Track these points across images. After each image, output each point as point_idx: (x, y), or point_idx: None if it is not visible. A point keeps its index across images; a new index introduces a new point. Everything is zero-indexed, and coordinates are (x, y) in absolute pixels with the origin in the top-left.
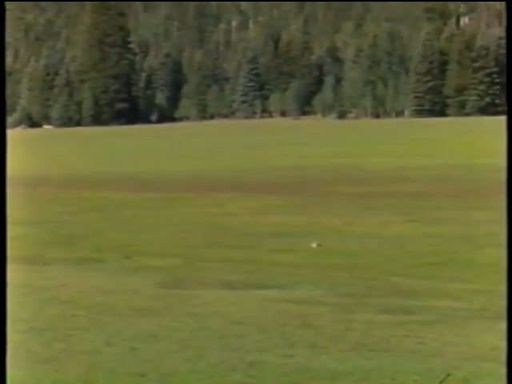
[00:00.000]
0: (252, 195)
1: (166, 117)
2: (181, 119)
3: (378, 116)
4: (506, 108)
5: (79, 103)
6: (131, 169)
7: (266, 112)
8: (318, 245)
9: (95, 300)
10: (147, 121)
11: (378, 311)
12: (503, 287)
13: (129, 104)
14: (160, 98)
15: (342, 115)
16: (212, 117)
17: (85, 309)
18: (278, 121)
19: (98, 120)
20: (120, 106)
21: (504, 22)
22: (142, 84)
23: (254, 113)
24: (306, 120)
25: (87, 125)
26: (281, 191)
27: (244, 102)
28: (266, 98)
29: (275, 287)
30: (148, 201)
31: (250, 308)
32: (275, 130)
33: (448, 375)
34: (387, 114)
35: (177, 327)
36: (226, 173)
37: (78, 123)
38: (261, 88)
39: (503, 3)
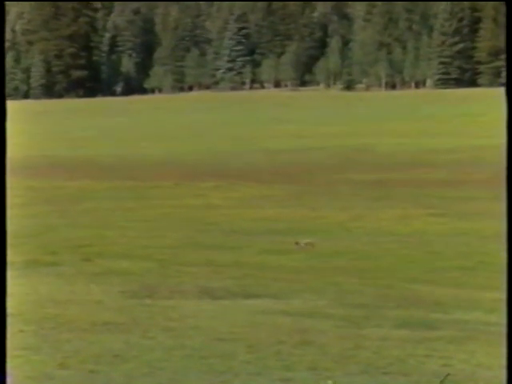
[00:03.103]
0: (240, 183)
1: (134, 88)
2: (152, 91)
3: (393, 87)
4: None
5: (27, 70)
6: (91, 151)
7: (256, 82)
8: (307, 244)
9: (47, 312)
10: (111, 92)
11: (394, 325)
12: None
13: (88, 72)
14: (127, 65)
15: (350, 86)
16: (191, 88)
17: (34, 323)
18: (271, 93)
19: (50, 91)
20: (77, 73)
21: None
22: (104, 47)
23: (243, 83)
24: (305, 92)
25: (37, 97)
26: (275, 179)
27: (230, 69)
28: (257, 64)
29: (268, 296)
30: (112, 190)
31: (238, 321)
32: (268, 103)
33: (448, 375)
34: (405, 85)
35: (148, 345)
36: (209, 156)
37: (26, 95)
38: (251, 52)
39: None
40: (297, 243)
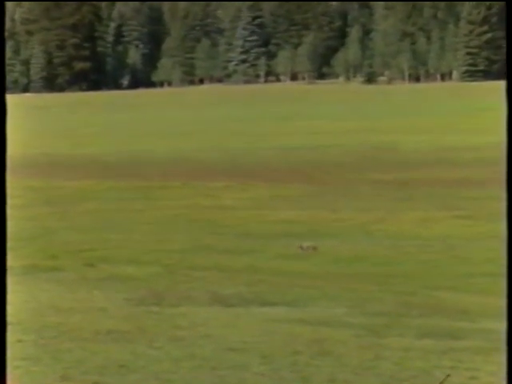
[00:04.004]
0: (253, 183)
1: (141, 81)
2: (160, 84)
3: (417, 79)
4: None
5: (27, 62)
6: (94, 149)
7: (272, 75)
8: (312, 247)
9: (47, 321)
10: (116, 86)
11: (418, 335)
12: None
13: (92, 63)
14: (133, 56)
15: (371, 78)
16: (201, 81)
17: (34, 332)
18: (287, 86)
19: (51, 84)
20: (80, 65)
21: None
22: (109, 37)
23: (257, 76)
24: (323, 85)
25: (38, 91)
26: (291, 178)
27: (243, 61)
28: (272, 56)
29: (283, 304)
30: (116, 190)
31: (251, 330)
32: (284, 98)
33: (448, 375)
34: (430, 77)
35: (155, 355)
36: (220, 154)
37: (26, 89)
38: (265, 43)
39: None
40: (301, 247)
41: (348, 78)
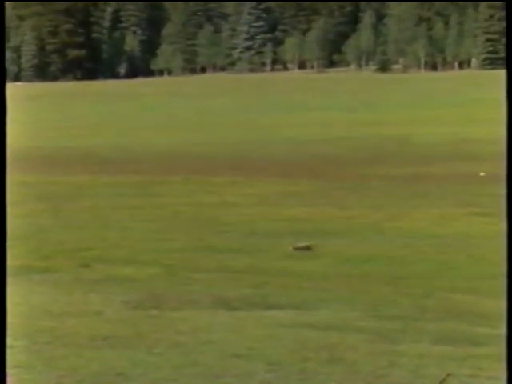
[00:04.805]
0: (259, 178)
1: (140, 69)
2: (160, 72)
3: (434, 67)
4: None
5: (17, 49)
6: (90, 142)
7: (278, 63)
8: (306, 247)
9: (40, 325)
10: (113, 74)
11: (434, 341)
12: None
13: (87, 51)
14: (131, 43)
15: (384, 66)
16: (203, 69)
17: (26, 337)
18: (295, 75)
19: (44, 73)
20: (75, 53)
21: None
22: (105, 23)
23: (263, 64)
24: (334, 73)
25: (29, 80)
26: (299, 173)
27: (249, 48)
28: (279, 42)
29: (291, 307)
30: (114, 186)
31: (257, 335)
32: (292, 87)
33: (448, 375)
34: (447, 65)
35: (155, 362)
36: (224, 147)
37: (17, 77)
38: (272, 29)
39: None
40: (296, 248)
41: (360, 66)
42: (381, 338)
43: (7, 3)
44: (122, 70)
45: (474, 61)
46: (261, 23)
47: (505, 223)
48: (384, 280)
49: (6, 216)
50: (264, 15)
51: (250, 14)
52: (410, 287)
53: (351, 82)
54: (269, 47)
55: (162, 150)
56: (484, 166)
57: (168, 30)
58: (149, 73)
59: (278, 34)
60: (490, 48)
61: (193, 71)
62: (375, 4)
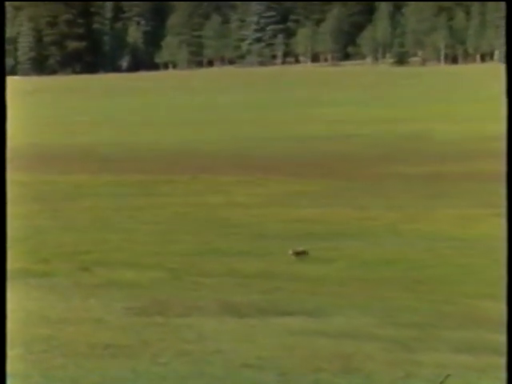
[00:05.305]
0: (269, 177)
1: (143, 62)
2: (165, 66)
3: (455, 60)
4: None
5: (14, 41)
6: (90, 139)
7: (290, 55)
8: (299, 253)
9: (37, 333)
10: (114, 68)
11: (455, 349)
12: None
13: (87, 42)
14: (134, 34)
15: (402, 59)
16: (211, 63)
17: (22, 346)
18: (308, 68)
19: (41, 66)
20: (74, 45)
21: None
22: (107, 13)
23: (274, 57)
24: (348, 67)
25: (26, 73)
26: (311, 172)
27: (258, 40)
28: (290, 34)
29: (303, 313)
30: (115, 186)
31: (268, 344)
32: (304, 81)
33: (448, 375)
34: (469, 57)
35: (159, 373)
36: (231, 145)
37: (13, 71)
38: (283, 19)
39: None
40: (295, 253)
41: (376, 59)
42: (398, 347)
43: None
44: (125, 63)
45: (497, 53)
46: (271, 13)
47: (505, 223)
48: (401, 285)
49: (6, 220)
50: (275, 5)
51: (259, 3)
52: (430, 293)
53: (367, 76)
54: (280, 39)
55: (167, 148)
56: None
57: (173, 20)
58: (153, 66)
59: (289, 24)
60: None
61: (199, 64)
62: None
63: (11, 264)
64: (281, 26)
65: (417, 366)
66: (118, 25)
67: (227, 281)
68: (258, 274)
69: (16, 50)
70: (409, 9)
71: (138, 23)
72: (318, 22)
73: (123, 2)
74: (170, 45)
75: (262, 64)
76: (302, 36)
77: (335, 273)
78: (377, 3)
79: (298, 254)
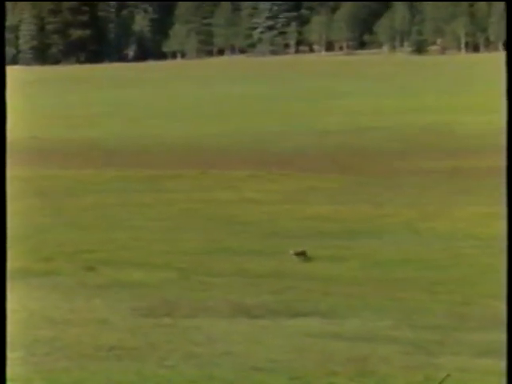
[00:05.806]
0: (282, 173)
1: (150, 51)
2: (173, 55)
3: (476, 48)
4: None
5: (15, 29)
6: (95, 132)
7: (304, 44)
8: (299, 253)
9: (40, 334)
10: (120, 57)
11: (475, 353)
12: None
13: (92, 31)
14: (141, 22)
15: (420, 48)
16: (221, 52)
17: (24, 348)
18: (322, 57)
19: (43, 55)
20: (78, 33)
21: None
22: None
23: (287, 45)
24: (365, 56)
25: (27, 63)
26: (326, 167)
27: (271, 28)
28: (304, 21)
29: (317, 314)
30: (121, 181)
31: (279, 346)
32: (318, 71)
33: (448, 375)
34: (490, 46)
35: (166, 376)
36: (243, 139)
37: (14, 60)
38: (297, 6)
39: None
40: (296, 254)
41: (393, 48)
42: (416, 350)
43: None
44: (131, 52)
45: None
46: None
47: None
48: (419, 285)
49: (6, 220)
50: None
51: None
52: (448, 294)
53: (383, 66)
54: (293, 27)
55: (175, 142)
56: None
57: (182, 7)
58: (160, 55)
59: (303, 11)
60: None
61: (209, 54)
62: None
63: (12, 263)
64: (294, 14)
65: (436, 370)
66: (124, 12)
67: (237, 280)
68: (269, 273)
69: (17, 38)
70: None
71: (145, 10)
72: (333, 10)
73: None
74: (179, 33)
75: (274, 53)
76: (317, 24)
77: (349, 272)
78: None
79: (298, 254)
